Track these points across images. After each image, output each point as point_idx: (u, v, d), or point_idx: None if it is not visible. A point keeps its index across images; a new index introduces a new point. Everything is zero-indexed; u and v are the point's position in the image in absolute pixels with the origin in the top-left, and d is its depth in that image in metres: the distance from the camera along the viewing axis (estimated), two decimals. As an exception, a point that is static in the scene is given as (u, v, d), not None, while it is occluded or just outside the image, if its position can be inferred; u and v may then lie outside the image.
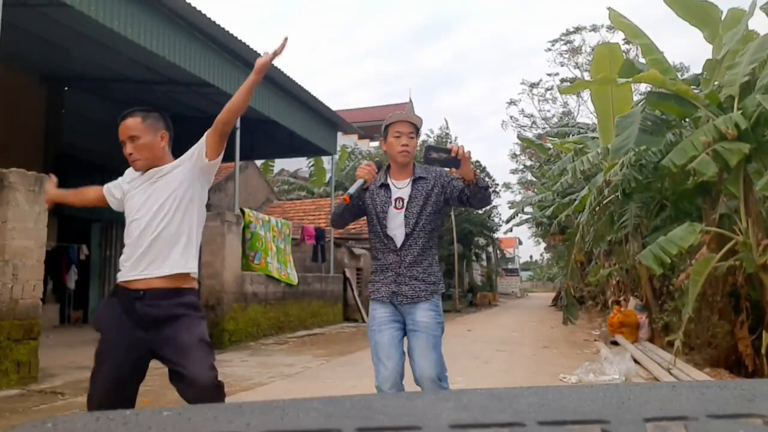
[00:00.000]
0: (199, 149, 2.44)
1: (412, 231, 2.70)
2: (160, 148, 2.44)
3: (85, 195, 2.64)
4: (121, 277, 2.32)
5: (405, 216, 2.72)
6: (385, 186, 2.78)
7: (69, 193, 2.66)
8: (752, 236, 5.43)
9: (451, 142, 22.90)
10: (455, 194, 2.70)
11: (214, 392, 2.19)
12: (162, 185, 2.38)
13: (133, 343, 2.26)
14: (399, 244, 2.70)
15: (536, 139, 18.41)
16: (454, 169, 2.62)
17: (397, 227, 2.71)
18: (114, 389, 2.27)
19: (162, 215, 2.33)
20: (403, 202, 2.74)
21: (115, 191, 2.55)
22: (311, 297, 12.18)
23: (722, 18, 6.17)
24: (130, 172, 2.53)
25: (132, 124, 2.39)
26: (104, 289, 12.85)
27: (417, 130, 2.81)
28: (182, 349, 2.24)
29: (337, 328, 12.45)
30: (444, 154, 2.55)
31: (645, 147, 6.17)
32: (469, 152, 2.55)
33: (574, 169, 7.78)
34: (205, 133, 2.49)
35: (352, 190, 2.57)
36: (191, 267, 2.36)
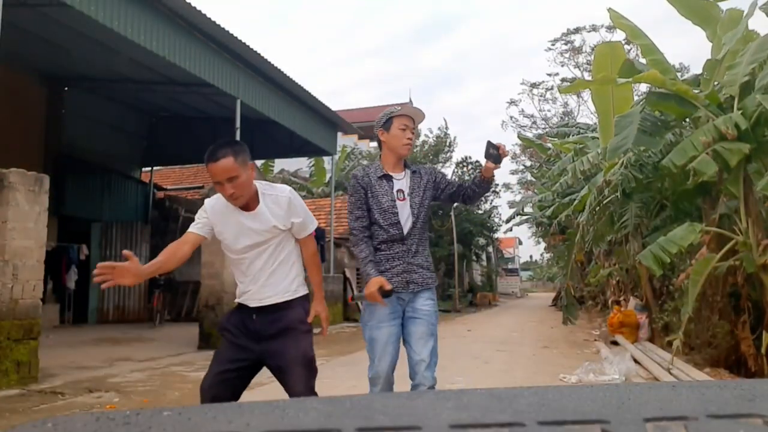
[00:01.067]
0: (295, 228, 2.60)
1: (416, 221, 2.79)
2: (252, 180, 2.52)
3: (177, 254, 2.47)
4: (245, 302, 2.55)
5: (410, 206, 2.80)
6: (387, 177, 2.81)
7: (156, 263, 2.46)
8: (752, 236, 5.43)
9: (450, 142, 22.92)
10: (448, 191, 2.86)
11: None
12: (260, 227, 2.52)
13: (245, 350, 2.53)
14: (406, 231, 2.76)
15: (536, 139, 18.41)
16: (491, 163, 2.79)
17: (405, 217, 2.78)
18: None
19: (269, 253, 2.54)
20: (404, 193, 2.80)
21: (205, 231, 2.53)
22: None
23: (722, 17, 6.17)
24: (212, 205, 2.57)
25: (227, 165, 2.40)
26: (104, 289, 12.83)
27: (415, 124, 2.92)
28: (287, 366, 2.48)
29: (337, 328, 12.44)
30: (496, 151, 2.79)
31: (644, 147, 6.17)
32: (506, 155, 2.83)
33: (574, 169, 7.78)
34: (303, 240, 2.66)
35: (356, 296, 2.72)
36: (300, 290, 2.62)
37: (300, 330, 2.51)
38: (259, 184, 2.56)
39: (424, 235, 2.85)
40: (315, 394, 2.46)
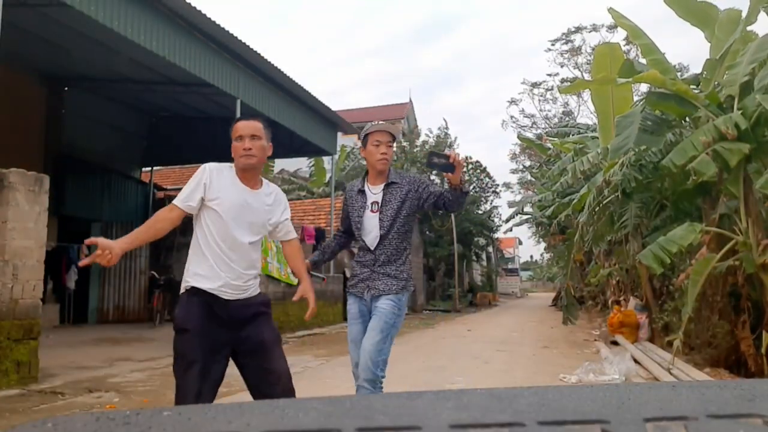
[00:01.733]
0: (282, 229, 2.72)
1: (387, 232, 2.93)
2: (266, 157, 2.64)
3: (156, 225, 2.45)
4: (215, 291, 2.51)
5: (380, 219, 2.95)
6: (362, 191, 3.03)
7: (136, 234, 2.44)
8: (752, 236, 5.43)
9: (450, 143, 22.88)
10: (431, 200, 2.92)
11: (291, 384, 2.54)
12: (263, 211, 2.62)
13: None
14: (374, 244, 2.93)
15: (536, 139, 18.40)
16: (448, 174, 2.77)
17: (371, 229, 2.95)
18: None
19: (255, 245, 2.63)
20: (378, 205, 2.96)
21: (192, 201, 2.48)
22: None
23: (720, 19, 6.17)
24: (216, 166, 2.58)
25: (256, 125, 2.57)
26: (104, 289, 12.87)
27: (394, 139, 3.04)
28: (267, 347, 2.53)
29: (337, 328, 12.44)
30: (443, 160, 2.72)
31: (645, 147, 6.17)
32: (463, 159, 2.76)
33: (574, 169, 7.78)
34: (290, 240, 2.78)
35: (316, 272, 2.88)
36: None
37: (268, 313, 2.63)
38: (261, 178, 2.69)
39: (401, 245, 2.96)
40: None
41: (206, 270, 2.46)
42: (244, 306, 2.50)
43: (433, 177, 16.87)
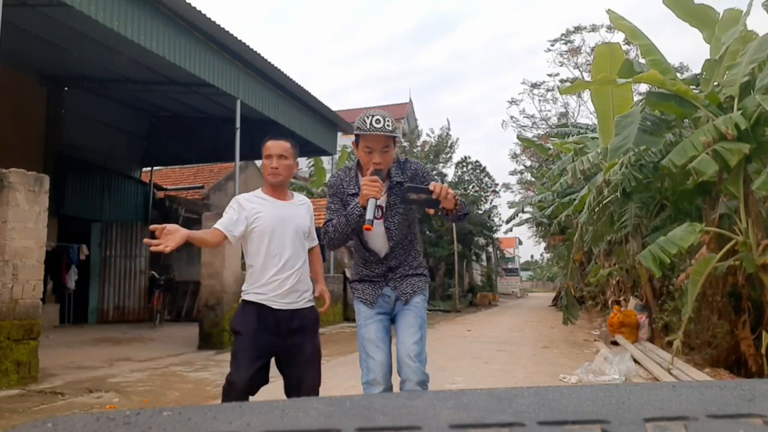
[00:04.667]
0: (309, 237, 2.87)
1: (396, 241, 2.55)
2: (292, 174, 2.82)
3: (214, 239, 2.64)
4: (266, 302, 2.70)
5: (387, 228, 2.52)
6: (357, 195, 2.45)
7: (201, 233, 2.69)
8: (752, 236, 5.43)
9: (451, 143, 22.84)
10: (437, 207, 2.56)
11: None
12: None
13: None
14: (383, 253, 2.56)
15: (536, 139, 18.40)
16: (429, 209, 2.53)
17: (378, 238, 2.53)
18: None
19: (300, 254, 2.81)
20: (382, 211, 2.49)
21: (237, 227, 2.66)
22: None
23: (719, 18, 6.18)
24: (244, 196, 2.77)
25: (285, 145, 2.73)
26: (104, 289, 12.86)
27: (393, 139, 2.45)
28: (305, 361, 2.71)
29: (337, 328, 12.45)
30: (424, 195, 2.29)
31: (644, 147, 6.17)
32: (451, 194, 2.30)
33: (574, 169, 7.78)
34: (313, 247, 2.92)
35: (370, 215, 2.26)
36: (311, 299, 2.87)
37: (315, 330, 2.77)
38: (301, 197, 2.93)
39: (409, 237, 2.63)
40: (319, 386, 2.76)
41: (256, 287, 2.70)
42: (291, 317, 2.67)
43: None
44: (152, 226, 2.34)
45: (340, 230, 2.45)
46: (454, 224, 20.35)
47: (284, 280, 2.66)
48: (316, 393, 2.66)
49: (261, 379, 2.62)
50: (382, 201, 2.47)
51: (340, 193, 2.55)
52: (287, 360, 2.66)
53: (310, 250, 2.90)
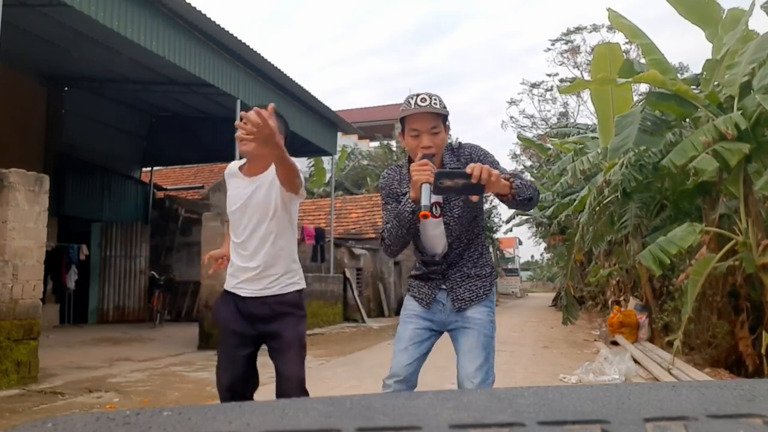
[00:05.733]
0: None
1: (457, 238, 2.24)
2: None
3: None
4: (234, 290, 2.50)
5: (446, 224, 2.22)
6: None
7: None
8: (752, 236, 5.43)
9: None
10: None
11: (299, 389, 2.43)
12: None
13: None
14: (440, 252, 2.25)
15: (536, 139, 18.40)
16: (475, 196, 2.00)
17: (437, 236, 2.24)
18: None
19: (267, 230, 2.50)
20: (439, 207, 2.19)
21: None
22: (311, 297, 12.18)
23: (723, 17, 6.17)
24: (229, 173, 2.54)
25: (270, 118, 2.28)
26: (104, 289, 12.87)
27: (445, 118, 2.17)
28: (282, 347, 2.45)
29: (337, 328, 12.45)
30: (461, 181, 1.88)
31: (644, 147, 6.17)
32: (495, 174, 1.89)
33: (574, 169, 7.78)
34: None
35: (426, 200, 1.91)
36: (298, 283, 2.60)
37: (296, 315, 2.47)
38: None
39: (474, 232, 2.28)
40: (304, 376, 2.48)
41: (228, 274, 2.51)
42: (264, 305, 2.43)
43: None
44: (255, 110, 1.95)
45: (394, 233, 2.15)
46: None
47: (251, 266, 2.42)
48: (296, 384, 2.41)
49: (245, 374, 2.46)
50: (438, 197, 2.12)
51: (393, 194, 2.25)
52: (269, 350, 2.47)
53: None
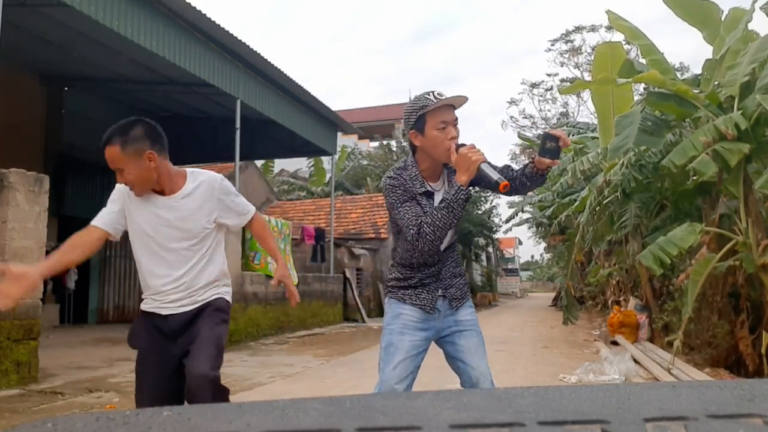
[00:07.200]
0: (234, 217, 2.41)
1: (454, 232, 2.31)
2: (150, 172, 2.18)
3: (76, 248, 2.18)
4: (154, 309, 2.31)
5: None
6: (428, 193, 2.20)
7: (51, 259, 2.17)
8: (752, 236, 5.43)
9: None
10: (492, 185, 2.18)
11: (209, 389, 2.12)
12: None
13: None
14: (443, 248, 2.28)
15: (536, 139, 18.39)
16: (548, 159, 2.10)
17: (446, 238, 2.24)
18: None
19: (192, 251, 2.36)
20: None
21: (110, 225, 2.27)
22: (311, 297, 12.18)
23: (723, 18, 6.17)
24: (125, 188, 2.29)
25: (112, 155, 2.14)
26: (104, 289, 12.87)
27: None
28: (195, 345, 2.20)
29: (337, 328, 12.45)
30: (554, 144, 2.07)
31: (644, 147, 6.17)
32: (569, 141, 2.11)
33: (574, 169, 7.78)
34: (250, 220, 2.45)
35: (496, 175, 2.06)
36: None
37: (217, 316, 2.26)
38: (191, 171, 2.35)
39: (454, 235, 2.37)
40: (219, 377, 2.16)
41: (145, 294, 2.32)
42: (187, 316, 2.26)
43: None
44: None
45: (441, 225, 2.08)
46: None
47: (171, 290, 2.25)
48: (203, 382, 2.09)
49: (174, 388, 2.21)
50: (445, 193, 2.16)
51: (409, 192, 2.18)
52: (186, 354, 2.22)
53: (248, 225, 2.44)
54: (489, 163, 2.08)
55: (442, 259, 2.28)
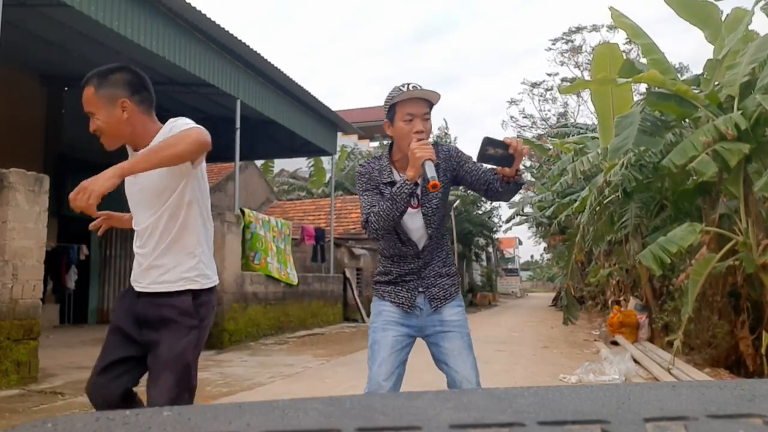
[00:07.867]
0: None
1: (433, 230, 2.26)
2: (120, 123, 1.97)
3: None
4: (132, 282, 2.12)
5: (424, 215, 2.24)
6: (393, 184, 2.20)
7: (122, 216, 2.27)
8: (752, 236, 5.43)
9: (450, 143, 22.81)
10: (470, 178, 2.22)
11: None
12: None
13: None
14: (421, 247, 2.26)
15: (536, 139, 18.41)
16: (504, 168, 2.07)
17: (417, 229, 2.25)
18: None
19: (159, 220, 2.10)
20: (418, 198, 2.21)
21: None
22: (311, 297, 12.18)
23: (723, 18, 6.17)
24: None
25: (85, 96, 1.96)
26: (104, 289, 12.87)
27: (431, 107, 2.20)
28: (155, 368, 1.97)
29: (337, 328, 12.45)
30: (501, 150, 2.01)
31: (644, 147, 6.18)
32: (526, 150, 2.05)
33: (574, 170, 7.79)
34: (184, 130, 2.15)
35: (433, 173, 1.99)
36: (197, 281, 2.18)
37: (183, 324, 1.97)
38: (169, 123, 2.06)
39: (444, 236, 2.36)
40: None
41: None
42: (151, 304, 2.01)
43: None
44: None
45: (385, 216, 2.10)
46: (452, 216, 20.34)
47: (143, 255, 2.03)
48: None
49: (117, 381, 2.00)
50: (419, 187, 2.17)
51: (373, 181, 2.24)
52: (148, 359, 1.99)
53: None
54: (432, 162, 2.03)
55: (425, 257, 2.27)
